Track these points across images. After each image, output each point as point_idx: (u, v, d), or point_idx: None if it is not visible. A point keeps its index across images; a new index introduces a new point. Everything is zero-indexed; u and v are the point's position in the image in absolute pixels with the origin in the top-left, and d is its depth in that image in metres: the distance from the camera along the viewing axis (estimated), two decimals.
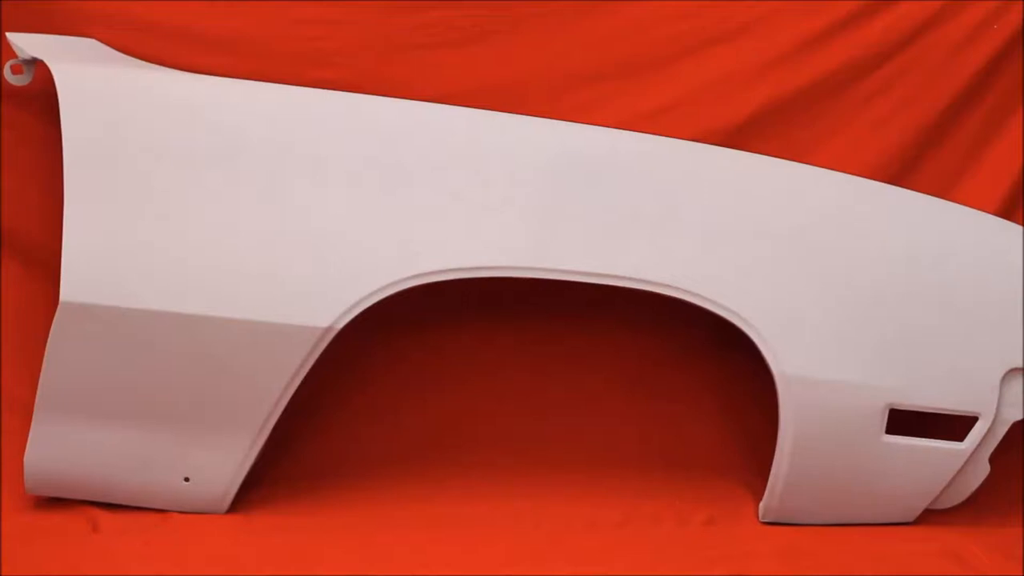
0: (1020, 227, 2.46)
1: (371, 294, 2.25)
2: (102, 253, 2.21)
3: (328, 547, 2.23)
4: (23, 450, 2.27)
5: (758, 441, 2.57)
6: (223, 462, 2.31)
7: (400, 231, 2.26)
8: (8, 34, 2.41)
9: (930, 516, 2.47)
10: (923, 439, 2.40)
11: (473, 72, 2.63)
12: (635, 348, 2.71)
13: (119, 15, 2.54)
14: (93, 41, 2.51)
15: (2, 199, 2.56)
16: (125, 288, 2.21)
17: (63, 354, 2.22)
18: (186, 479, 2.31)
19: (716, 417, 2.71)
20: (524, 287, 2.38)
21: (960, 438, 2.41)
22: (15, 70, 2.36)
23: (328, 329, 2.24)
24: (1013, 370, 2.38)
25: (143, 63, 2.50)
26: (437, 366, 2.67)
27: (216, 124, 2.26)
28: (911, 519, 2.47)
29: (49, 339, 2.21)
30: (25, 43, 2.38)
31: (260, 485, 2.43)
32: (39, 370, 2.24)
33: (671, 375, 2.72)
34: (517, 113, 2.42)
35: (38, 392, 2.24)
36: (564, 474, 2.56)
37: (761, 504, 2.44)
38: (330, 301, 2.24)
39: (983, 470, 2.45)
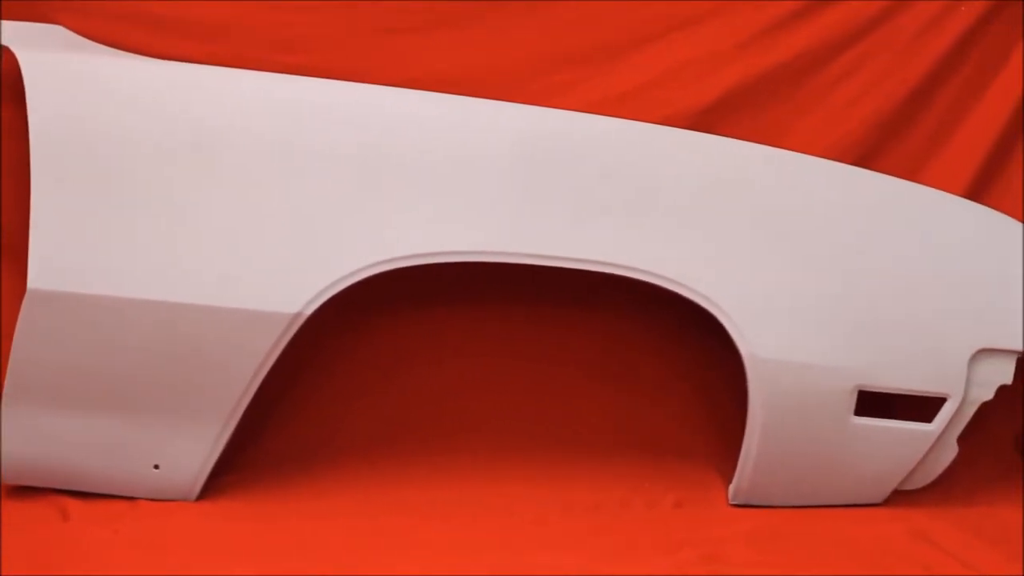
0: (987, 208, 2.48)
1: (340, 279, 2.25)
2: (70, 240, 2.21)
3: (298, 533, 2.24)
4: None
5: (728, 424, 2.58)
6: (193, 449, 2.31)
7: (369, 216, 2.27)
8: None
9: (899, 497, 2.49)
10: (892, 420, 2.41)
11: (443, 57, 2.62)
12: (606, 332, 2.72)
13: (86, 2, 2.53)
14: (60, 28, 2.50)
15: None
16: (93, 275, 2.22)
17: (31, 342, 2.22)
18: (156, 466, 2.31)
19: (686, 400, 2.72)
20: (494, 272, 2.38)
21: (929, 419, 2.42)
22: None
23: (297, 315, 2.24)
24: (981, 351, 2.40)
25: (111, 50, 2.49)
26: (406, 352, 2.67)
27: (184, 111, 2.26)
28: (880, 500, 2.48)
29: (17, 327, 2.21)
30: None
31: (229, 472, 2.43)
32: (6, 357, 2.24)
33: (642, 359, 2.72)
34: (489, 97, 2.42)
35: (6, 380, 2.25)
36: (537, 459, 2.57)
37: (731, 487, 2.45)
38: (299, 287, 2.25)
39: (952, 451, 2.46)
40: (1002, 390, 2.44)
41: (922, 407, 2.42)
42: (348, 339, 2.64)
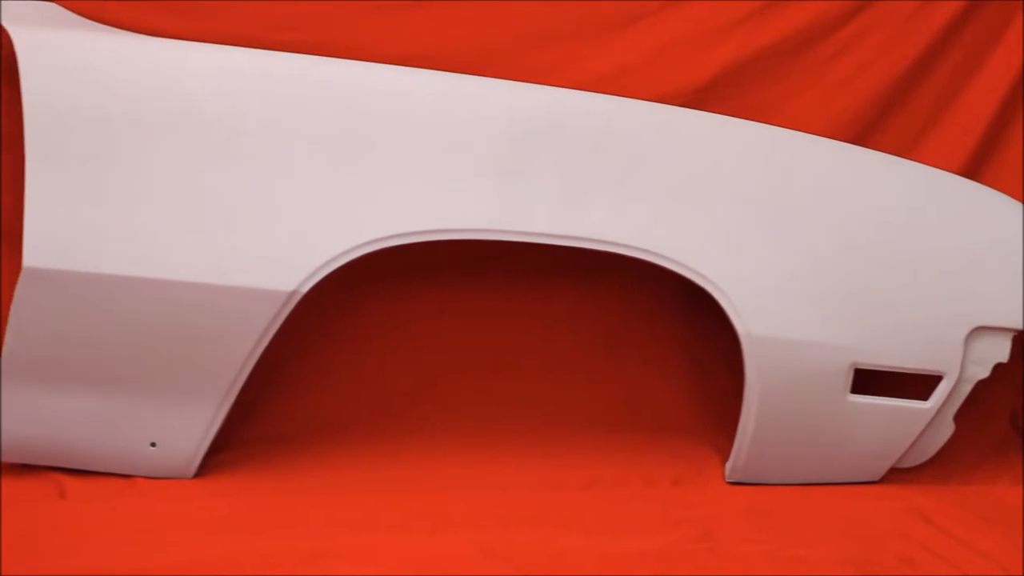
0: (983, 186, 2.47)
1: (335, 258, 2.25)
2: (65, 218, 2.20)
3: (294, 510, 2.24)
4: None
5: (725, 402, 2.59)
6: (189, 427, 2.31)
7: (363, 195, 2.26)
8: None
9: (895, 475, 2.49)
10: (888, 398, 2.42)
11: (435, 33, 2.61)
12: (602, 310, 2.72)
13: None
14: (53, 5, 2.49)
15: None
16: (89, 253, 2.21)
17: (27, 320, 2.21)
18: (153, 444, 2.31)
19: (683, 378, 2.72)
20: (489, 249, 2.38)
21: (925, 397, 2.42)
22: None
23: (293, 293, 2.24)
24: (977, 329, 2.40)
25: (104, 27, 2.48)
26: (402, 329, 2.67)
27: (179, 90, 2.25)
28: (876, 478, 2.49)
29: (12, 305, 2.20)
30: None
31: (226, 449, 2.44)
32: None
33: (638, 336, 2.73)
34: (479, 75, 2.41)
35: (2, 359, 2.24)
36: (531, 436, 2.58)
37: (727, 464, 2.46)
38: (294, 265, 2.24)
39: (948, 429, 2.47)
40: (998, 368, 2.44)
41: (919, 385, 2.42)
42: (344, 316, 2.64)
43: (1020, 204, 2.44)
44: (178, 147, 2.23)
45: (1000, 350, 2.43)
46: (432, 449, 2.51)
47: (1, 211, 2.50)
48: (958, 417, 2.46)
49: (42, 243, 2.19)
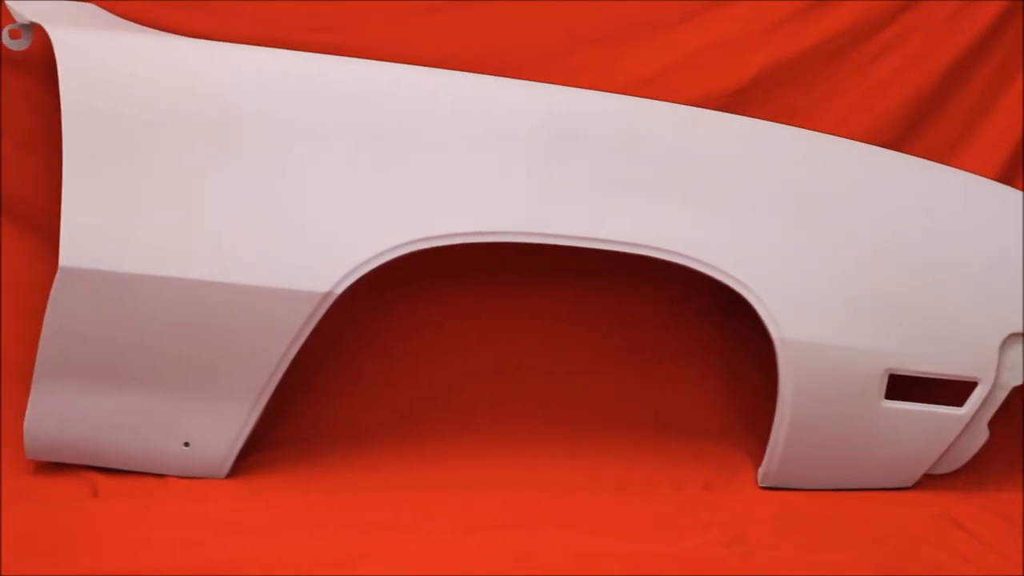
0: (1020, 192, 2.45)
1: (369, 259, 2.24)
2: (101, 218, 2.20)
3: (326, 511, 2.24)
4: (24, 415, 2.28)
5: (757, 406, 2.58)
6: (223, 427, 2.31)
7: (397, 197, 2.26)
8: None
9: (929, 481, 2.48)
10: (922, 404, 2.40)
11: (472, 35, 2.62)
12: (634, 312, 2.71)
13: None
14: (91, 5, 2.51)
15: (2, 164, 2.55)
16: (124, 253, 2.21)
17: (62, 319, 2.22)
18: (186, 444, 2.32)
19: (715, 381, 2.71)
20: (522, 251, 2.37)
21: (959, 403, 2.41)
22: (13, 35, 2.35)
23: (327, 294, 2.24)
24: (1012, 335, 2.39)
25: (141, 27, 2.50)
26: (435, 329, 2.67)
27: (214, 90, 2.25)
28: (910, 484, 2.48)
29: (48, 304, 2.21)
30: (23, 8, 2.37)
31: (259, 449, 2.44)
32: (39, 335, 2.24)
33: (671, 339, 2.72)
34: (515, 77, 2.41)
35: (37, 357, 2.24)
36: (562, 437, 2.56)
37: (760, 469, 2.45)
38: (329, 267, 2.24)
39: (982, 435, 2.45)
40: None
41: (953, 391, 2.41)
42: (376, 317, 2.64)
43: None
44: (214, 148, 2.23)
45: None
46: (465, 450, 2.50)
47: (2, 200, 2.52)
48: (992, 424, 2.45)
49: (79, 243, 2.19)
